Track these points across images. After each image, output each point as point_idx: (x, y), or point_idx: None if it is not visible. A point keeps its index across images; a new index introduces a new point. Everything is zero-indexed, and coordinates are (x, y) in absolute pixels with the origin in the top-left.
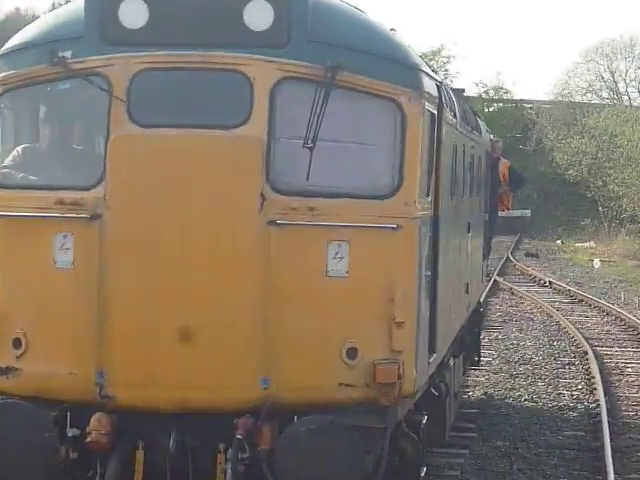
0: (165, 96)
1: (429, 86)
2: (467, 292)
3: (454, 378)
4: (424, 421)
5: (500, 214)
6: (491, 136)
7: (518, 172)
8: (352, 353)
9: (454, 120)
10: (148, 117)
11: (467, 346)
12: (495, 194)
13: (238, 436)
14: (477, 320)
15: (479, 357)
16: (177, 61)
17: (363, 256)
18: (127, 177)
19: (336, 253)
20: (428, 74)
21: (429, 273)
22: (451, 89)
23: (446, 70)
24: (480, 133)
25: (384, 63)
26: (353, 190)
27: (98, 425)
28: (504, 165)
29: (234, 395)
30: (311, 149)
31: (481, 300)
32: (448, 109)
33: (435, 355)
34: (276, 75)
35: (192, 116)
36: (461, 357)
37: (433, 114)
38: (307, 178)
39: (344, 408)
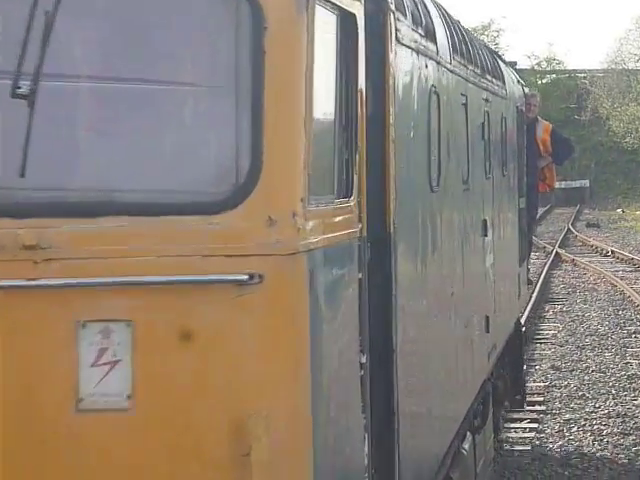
0: None
1: None
2: (488, 330)
3: (474, 469)
4: None
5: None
6: (525, 89)
7: (563, 137)
8: None
9: (431, 46)
10: None
11: (500, 393)
12: (534, 169)
13: None
14: (516, 350)
15: (524, 395)
16: None
17: (169, 357)
18: None
19: (100, 352)
20: None
21: (364, 360)
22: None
23: (497, 44)
24: (503, 82)
25: None
26: (139, 195)
27: None
28: (545, 129)
29: None
30: (30, 100)
31: (522, 319)
32: (408, 19)
33: None
34: None
35: None
36: (489, 419)
37: (348, 16)
38: (22, 173)
39: None
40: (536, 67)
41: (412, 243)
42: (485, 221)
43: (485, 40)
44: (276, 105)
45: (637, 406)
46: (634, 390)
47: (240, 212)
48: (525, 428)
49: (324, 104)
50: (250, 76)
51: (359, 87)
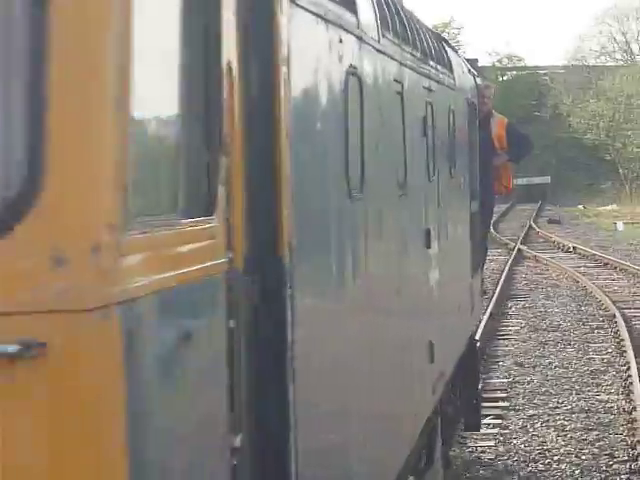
0: None
1: None
2: (433, 359)
3: None
4: None
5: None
6: (477, 80)
7: (521, 133)
8: None
9: (348, 16)
10: None
11: (450, 421)
12: (488, 168)
13: None
14: (469, 371)
15: (479, 420)
16: None
17: None
18: None
19: None
20: None
21: (238, 443)
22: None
23: (458, 41)
24: (450, 69)
25: None
26: None
27: None
28: (499, 123)
29: None
30: None
31: (476, 336)
32: None
33: None
34: None
35: None
36: (436, 457)
37: None
38: None
39: None
40: (497, 64)
41: (321, 270)
42: (428, 230)
43: (446, 37)
44: (69, 81)
45: (600, 401)
46: (597, 385)
47: (9, 245)
48: (489, 424)
49: (158, 82)
50: (27, 37)
51: (226, 61)
